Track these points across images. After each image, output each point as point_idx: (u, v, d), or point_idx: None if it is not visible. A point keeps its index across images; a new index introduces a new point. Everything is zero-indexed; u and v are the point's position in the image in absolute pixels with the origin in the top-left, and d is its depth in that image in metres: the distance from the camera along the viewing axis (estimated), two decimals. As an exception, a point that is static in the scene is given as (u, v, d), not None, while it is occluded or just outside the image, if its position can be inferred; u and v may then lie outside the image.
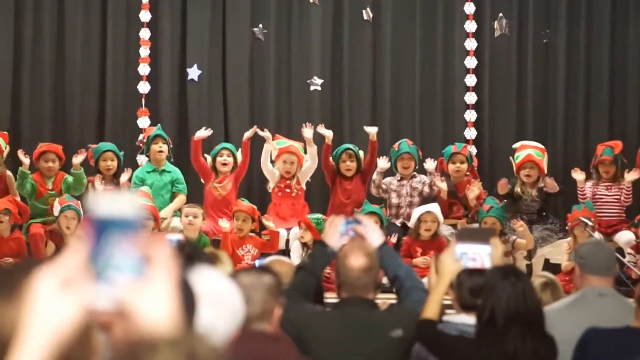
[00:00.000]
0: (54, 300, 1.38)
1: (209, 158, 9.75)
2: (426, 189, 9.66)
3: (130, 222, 1.41)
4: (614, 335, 4.39)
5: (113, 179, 9.63)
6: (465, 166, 9.73)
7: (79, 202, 9.10)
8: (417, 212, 9.20)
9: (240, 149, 9.67)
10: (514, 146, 9.86)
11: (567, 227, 9.15)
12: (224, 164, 9.60)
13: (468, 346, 4.18)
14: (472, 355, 4.16)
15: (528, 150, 9.61)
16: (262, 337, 3.56)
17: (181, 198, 9.67)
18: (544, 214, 9.54)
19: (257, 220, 9.17)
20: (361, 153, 9.77)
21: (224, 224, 9.06)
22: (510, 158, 9.74)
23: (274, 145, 9.77)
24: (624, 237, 9.31)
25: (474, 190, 9.51)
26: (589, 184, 9.74)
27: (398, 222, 9.57)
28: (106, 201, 1.41)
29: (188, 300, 1.88)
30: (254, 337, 3.46)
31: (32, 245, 9.12)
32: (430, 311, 4.31)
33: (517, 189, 9.54)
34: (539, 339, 4.11)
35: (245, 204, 9.16)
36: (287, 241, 9.44)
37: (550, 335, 4.18)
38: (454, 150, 9.71)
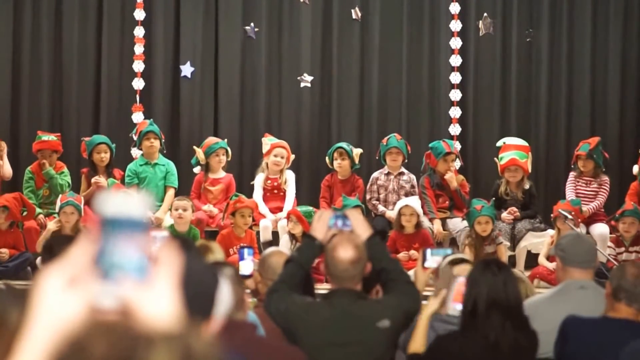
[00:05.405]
0: (59, 298, 1.38)
1: (200, 152, 9.98)
2: (409, 189, 9.91)
3: (137, 222, 1.39)
4: (592, 324, 4.54)
5: (106, 171, 9.79)
6: (454, 163, 9.99)
7: (81, 197, 9.24)
8: (397, 206, 9.45)
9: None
10: (498, 144, 10.01)
11: (551, 220, 9.37)
12: (219, 162, 9.89)
13: (452, 343, 4.33)
14: (456, 351, 4.30)
15: (512, 153, 9.69)
16: (243, 326, 3.65)
17: (170, 193, 9.84)
18: (529, 211, 9.69)
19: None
20: (355, 151, 9.97)
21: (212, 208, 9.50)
22: (495, 159, 9.89)
23: (265, 141, 10.04)
24: (597, 229, 9.49)
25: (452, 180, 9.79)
26: (572, 175, 9.96)
27: (386, 215, 9.76)
28: (113, 200, 1.39)
29: (193, 296, 1.90)
30: (236, 326, 3.51)
31: (28, 238, 9.25)
32: (415, 345, 4.48)
33: (502, 189, 9.73)
34: (519, 328, 4.25)
35: (249, 199, 9.32)
36: (274, 233, 9.60)
37: (531, 328, 4.31)
38: (448, 150, 9.83)
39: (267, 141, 10.01)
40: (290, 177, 9.94)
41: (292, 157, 10.06)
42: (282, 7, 11.22)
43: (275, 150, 9.89)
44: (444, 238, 9.76)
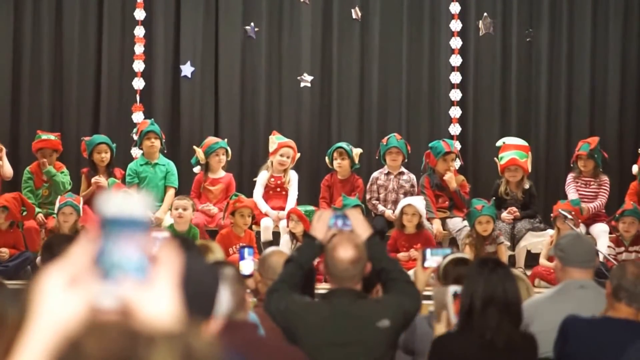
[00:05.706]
0: (59, 298, 1.37)
1: (200, 152, 9.98)
2: (409, 188, 9.92)
3: (137, 222, 1.39)
4: (592, 324, 4.55)
5: (106, 171, 9.80)
6: (454, 163, 10.01)
7: (80, 198, 9.26)
8: (400, 205, 9.44)
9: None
10: (498, 144, 10.02)
11: (550, 220, 9.39)
12: (219, 162, 9.90)
13: (450, 343, 4.36)
14: (455, 351, 4.33)
15: (512, 153, 9.71)
16: (243, 326, 3.65)
17: (170, 193, 9.85)
18: (528, 211, 9.72)
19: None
20: (354, 151, 10.00)
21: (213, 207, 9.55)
22: (495, 159, 9.90)
23: (273, 139, 10.04)
24: (597, 227, 9.52)
25: (451, 181, 9.80)
26: (571, 176, 9.99)
27: (386, 215, 9.77)
28: (114, 200, 1.39)
29: (193, 295, 1.90)
30: (236, 326, 3.52)
31: (28, 238, 9.29)
32: None
33: (502, 189, 9.75)
34: (516, 325, 4.26)
35: (248, 199, 9.33)
36: (275, 233, 9.61)
37: (529, 332, 4.33)
38: (448, 150, 9.85)
39: (275, 139, 10.00)
40: (293, 177, 9.95)
41: (298, 155, 10.07)
42: (282, 7, 11.24)
43: (282, 149, 9.90)
44: (444, 238, 9.78)
